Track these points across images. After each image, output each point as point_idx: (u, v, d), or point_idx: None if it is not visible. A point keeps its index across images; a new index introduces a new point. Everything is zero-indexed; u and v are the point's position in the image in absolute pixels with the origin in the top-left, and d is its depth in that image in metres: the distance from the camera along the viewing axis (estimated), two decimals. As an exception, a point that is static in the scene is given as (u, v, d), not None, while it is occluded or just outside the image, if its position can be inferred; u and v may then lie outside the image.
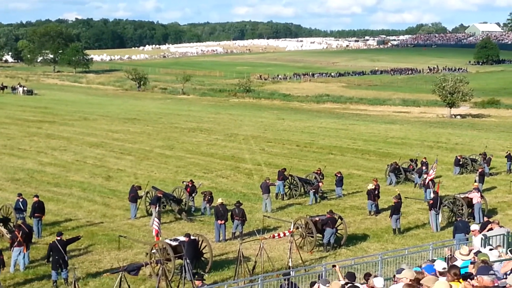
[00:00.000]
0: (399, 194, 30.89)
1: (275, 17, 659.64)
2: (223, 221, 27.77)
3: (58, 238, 22.06)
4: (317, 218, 27.32)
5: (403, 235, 29.14)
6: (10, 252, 23.77)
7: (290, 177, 37.67)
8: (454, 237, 25.53)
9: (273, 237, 25.03)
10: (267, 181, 33.82)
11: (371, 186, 33.14)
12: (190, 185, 33.71)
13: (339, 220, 27.47)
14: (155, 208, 29.70)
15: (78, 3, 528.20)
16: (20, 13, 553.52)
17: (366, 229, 30.18)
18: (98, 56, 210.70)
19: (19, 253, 23.34)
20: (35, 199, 28.21)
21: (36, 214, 27.71)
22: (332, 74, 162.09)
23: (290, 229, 25.20)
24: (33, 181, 38.18)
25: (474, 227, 21.94)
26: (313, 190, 35.55)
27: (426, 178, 36.34)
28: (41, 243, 26.18)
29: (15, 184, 37.40)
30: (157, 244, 23.57)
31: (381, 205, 33.76)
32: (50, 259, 21.92)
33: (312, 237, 26.61)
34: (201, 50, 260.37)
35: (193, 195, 33.31)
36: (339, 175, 37.86)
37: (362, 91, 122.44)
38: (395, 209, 29.51)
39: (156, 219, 25.63)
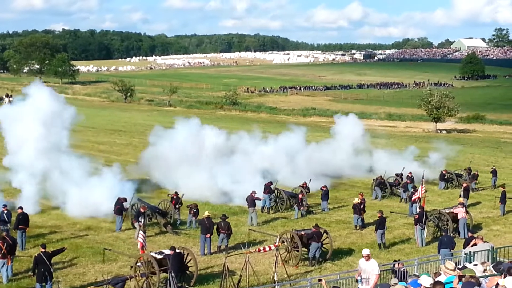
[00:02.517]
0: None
1: (262, 30, 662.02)
2: (209, 235, 27.72)
3: (43, 250, 21.92)
4: (302, 232, 27.32)
5: (388, 250, 29.21)
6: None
7: (276, 191, 37.69)
8: (439, 252, 25.61)
9: (259, 250, 25.00)
10: (253, 194, 33.76)
11: (356, 200, 33.22)
12: (175, 197, 33.67)
13: (325, 234, 27.47)
14: (138, 223, 29.62)
15: (65, 14, 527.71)
16: (7, 23, 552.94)
17: (352, 243, 30.22)
18: (84, 67, 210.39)
19: (2, 266, 23.16)
20: (20, 210, 28.00)
21: (20, 226, 27.50)
22: (319, 87, 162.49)
23: (275, 243, 25.16)
24: (17, 192, 37.84)
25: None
26: (296, 205, 35.63)
27: (412, 193, 36.45)
28: (24, 255, 25.98)
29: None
30: (142, 257, 23.48)
31: (367, 220, 33.82)
32: (36, 272, 21.74)
33: (298, 251, 26.59)
34: (188, 62, 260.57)
35: (177, 206, 33.24)
36: (324, 189, 37.97)
37: (348, 104, 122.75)
38: (380, 224, 29.58)
39: (141, 232, 25.52)
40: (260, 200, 35.30)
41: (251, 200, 33.34)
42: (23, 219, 27.76)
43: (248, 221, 33.19)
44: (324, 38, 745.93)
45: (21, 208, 28.20)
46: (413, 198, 34.81)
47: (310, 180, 39.88)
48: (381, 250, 29.07)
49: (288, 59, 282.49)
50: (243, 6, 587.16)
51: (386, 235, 30.82)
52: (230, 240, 28.51)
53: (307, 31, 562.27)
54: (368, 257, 20.14)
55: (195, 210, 32.07)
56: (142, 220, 29.80)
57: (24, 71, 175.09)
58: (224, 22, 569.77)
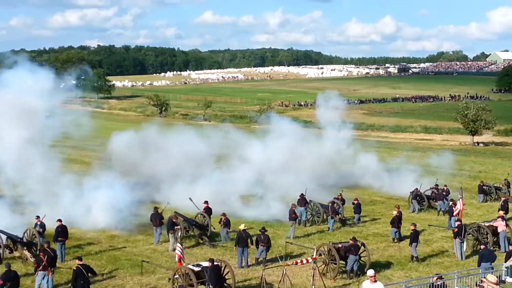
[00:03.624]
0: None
1: (295, 44, 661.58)
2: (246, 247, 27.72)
3: (80, 262, 22.06)
4: (340, 245, 27.16)
5: (427, 263, 28.85)
6: (34, 276, 23.86)
7: (311, 204, 37.55)
8: (479, 265, 25.26)
9: (296, 263, 24.91)
10: (293, 207, 33.86)
11: (395, 213, 32.90)
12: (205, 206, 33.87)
13: (362, 247, 27.27)
14: (173, 233, 29.80)
15: (100, 30, 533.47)
16: (43, 40, 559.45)
17: (390, 256, 29.95)
18: (120, 82, 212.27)
19: (43, 277, 23.38)
20: (59, 223, 28.27)
21: (59, 238, 27.82)
22: (353, 101, 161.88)
23: (313, 255, 25.08)
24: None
25: None
26: (330, 215, 35.53)
27: (450, 206, 35.97)
28: (64, 267, 26.20)
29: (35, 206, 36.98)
30: (179, 270, 23.55)
31: (403, 233, 33.44)
32: (75, 285, 21.84)
33: (335, 264, 26.43)
34: (222, 77, 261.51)
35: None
36: (356, 202, 37.71)
37: (383, 118, 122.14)
38: (414, 237, 29.27)
39: (178, 245, 25.61)
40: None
41: (292, 213, 33.36)
42: (62, 231, 28.07)
43: (289, 234, 32.98)
44: (358, 52, 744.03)
45: (59, 220, 28.45)
46: (455, 213, 34.20)
47: (342, 191, 39.72)
48: (419, 263, 28.75)
49: (322, 73, 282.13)
50: (276, 21, 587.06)
51: (424, 249, 30.58)
52: (268, 253, 28.46)
53: (340, 45, 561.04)
54: (373, 279, 19.68)
55: (225, 220, 32.02)
56: (180, 232, 29.99)
57: (61, 86, 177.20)
58: (257, 37, 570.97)
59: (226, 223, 32.05)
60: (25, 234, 28.39)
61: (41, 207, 32.21)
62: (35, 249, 27.30)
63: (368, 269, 25.92)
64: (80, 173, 50.33)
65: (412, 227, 29.63)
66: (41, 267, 23.32)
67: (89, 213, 34.30)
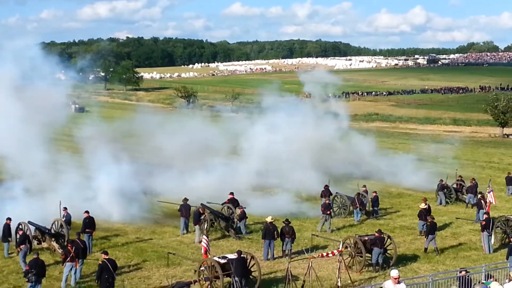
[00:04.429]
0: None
1: (324, 35, 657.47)
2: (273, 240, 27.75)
3: (106, 257, 22.20)
4: (366, 238, 27.05)
5: (454, 257, 28.60)
6: (62, 267, 24.11)
7: (338, 196, 37.42)
8: (507, 259, 25.02)
9: (322, 256, 24.85)
10: (327, 202, 33.73)
11: (423, 205, 32.63)
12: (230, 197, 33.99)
13: (389, 240, 27.13)
14: (199, 225, 29.97)
15: (129, 22, 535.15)
16: (73, 32, 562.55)
17: (417, 249, 29.75)
18: (148, 74, 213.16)
19: (71, 269, 23.61)
20: (86, 214, 28.54)
21: (87, 230, 28.06)
22: (382, 92, 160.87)
23: (339, 248, 25.02)
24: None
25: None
26: (356, 207, 35.43)
27: (479, 200, 35.59)
28: (91, 259, 26.40)
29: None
30: (205, 262, 23.64)
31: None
32: (100, 279, 21.87)
33: (361, 256, 26.33)
34: (250, 69, 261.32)
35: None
36: (374, 194, 37.38)
37: (411, 110, 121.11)
38: (430, 229, 29.07)
39: (204, 237, 25.72)
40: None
41: (325, 206, 33.26)
42: (90, 222, 28.33)
43: (318, 227, 32.84)
44: (386, 43, 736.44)
45: (87, 212, 28.72)
46: (487, 207, 33.79)
47: (363, 185, 39.40)
48: (446, 256, 28.51)
49: (350, 65, 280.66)
50: (304, 12, 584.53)
51: (452, 242, 30.43)
52: (293, 245, 28.49)
53: (369, 36, 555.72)
54: (397, 280, 19.08)
55: (240, 214, 32.04)
56: (206, 224, 30.22)
57: (90, 78, 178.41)
58: (285, 28, 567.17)
59: (242, 216, 32.05)
60: (53, 226, 28.68)
61: (67, 197, 32.50)
62: (63, 240, 27.56)
63: (393, 265, 25.94)
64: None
65: (430, 219, 29.52)
66: (68, 259, 23.56)
67: (114, 204, 34.68)
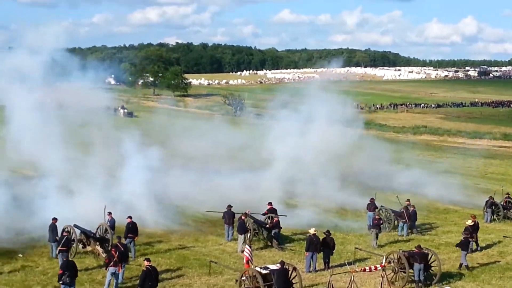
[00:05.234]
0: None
1: (373, 45, 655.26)
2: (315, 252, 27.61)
3: (149, 264, 22.31)
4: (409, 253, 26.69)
5: (501, 276, 28.01)
6: (105, 271, 24.35)
7: (383, 209, 37.01)
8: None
9: (364, 270, 24.62)
10: (377, 217, 33.53)
11: (469, 222, 32.04)
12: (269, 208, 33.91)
13: (433, 256, 26.72)
14: (243, 234, 29.97)
15: (179, 28, 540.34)
16: (124, 37, 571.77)
17: (462, 267, 29.21)
18: (196, 80, 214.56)
19: (114, 273, 23.82)
20: (129, 220, 28.74)
21: (129, 235, 28.24)
22: (431, 105, 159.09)
23: (382, 263, 24.75)
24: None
25: None
26: (405, 221, 35.01)
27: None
28: (134, 264, 26.60)
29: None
30: (247, 272, 23.61)
31: (480, 243, 32.63)
32: (143, 286, 21.97)
33: (405, 272, 25.99)
34: (298, 77, 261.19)
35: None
36: (412, 208, 36.70)
37: (461, 123, 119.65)
38: (463, 245, 28.62)
39: (247, 246, 25.70)
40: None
41: (374, 221, 33.02)
42: (132, 228, 28.51)
43: (373, 244, 32.10)
44: (437, 54, 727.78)
45: (130, 217, 28.90)
46: None
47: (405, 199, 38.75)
48: (492, 275, 27.90)
49: (399, 75, 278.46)
50: (354, 20, 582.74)
51: (499, 261, 29.83)
52: (335, 258, 28.33)
53: (419, 46, 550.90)
54: None
55: (275, 223, 31.84)
56: (249, 234, 30.27)
57: (139, 83, 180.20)
58: (334, 36, 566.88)
59: (275, 225, 31.88)
60: (98, 230, 28.97)
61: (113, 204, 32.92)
62: (107, 244, 27.83)
63: (436, 282, 25.55)
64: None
65: (464, 235, 29.08)
66: (112, 263, 23.79)
67: (157, 211, 35.07)
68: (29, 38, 41.16)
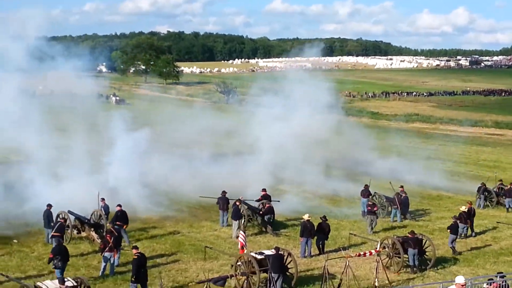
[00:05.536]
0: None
1: (365, 34, 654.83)
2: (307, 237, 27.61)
3: (137, 251, 22.13)
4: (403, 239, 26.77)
5: (495, 261, 28.13)
6: (100, 256, 24.34)
7: (376, 195, 37.03)
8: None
9: (359, 255, 24.65)
10: (369, 202, 33.73)
11: (463, 208, 32.09)
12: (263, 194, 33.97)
13: (428, 242, 26.80)
14: (237, 220, 29.97)
15: (170, 17, 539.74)
16: (115, 25, 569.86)
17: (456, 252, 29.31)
18: (188, 68, 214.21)
19: (109, 258, 23.81)
20: (118, 208, 28.54)
21: (117, 223, 27.95)
22: (423, 93, 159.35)
23: (376, 248, 24.79)
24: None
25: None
26: (397, 207, 35.09)
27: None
28: (128, 249, 26.42)
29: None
30: (242, 257, 23.62)
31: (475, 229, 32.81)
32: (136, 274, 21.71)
33: (399, 257, 26.06)
34: (290, 65, 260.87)
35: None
36: (404, 195, 36.67)
37: (452, 111, 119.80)
38: (452, 229, 28.82)
39: (241, 232, 25.71)
40: None
41: (368, 207, 33.15)
42: (121, 216, 28.25)
43: (369, 231, 31.99)
44: (428, 43, 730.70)
45: (119, 205, 28.65)
46: None
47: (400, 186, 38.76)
48: (486, 260, 28.05)
49: (391, 64, 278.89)
50: (346, 10, 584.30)
51: (493, 246, 29.91)
52: (330, 244, 28.41)
53: (411, 36, 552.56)
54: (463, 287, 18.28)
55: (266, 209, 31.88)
56: (243, 219, 30.31)
57: (131, 71, 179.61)
58: (325, 26, 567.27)
59: (269, 211, 31.84)
60: (92, 216, 28.92)
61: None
62: (101, 230, 27.78)
63: (431, 267, 25.60)
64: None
65: (453, 220, 29.51)
66: (107, 248, 23.76)
67: (151, 197, 35.19)
68: (13, 24, 40.80)
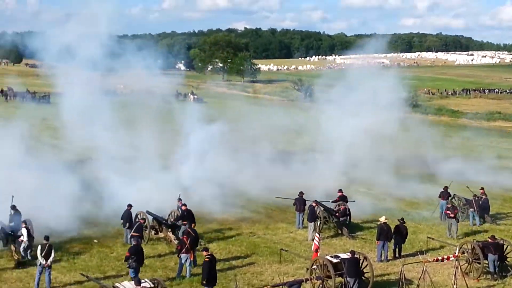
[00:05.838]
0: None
1: (444, 29, 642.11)
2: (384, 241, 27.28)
3: (208, 254, 22.18)
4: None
5: None
6: (177, 258, 24.65)
7: (455, 197, 36.20)
8: None
9: (437, 260, 24.22)
10: (448, 205, 32.66)
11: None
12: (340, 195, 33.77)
13: (509, 247, 26.05)
14: (313, 222, 29.85)
15: (247, 13, 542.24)
16: (193, 23, 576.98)
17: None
18: (265, 66, 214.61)
19: (186, 260, 24.09)
20: (184, 207, 28.73)
21: (183, 222, 28.20)
22: (505, 90, 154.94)
23: (455, 253, 24.29)
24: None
25: None
26: (476, 210, 34.16)
27: None
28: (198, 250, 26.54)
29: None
30: (318, 260, 23.54)
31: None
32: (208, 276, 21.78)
33: (479, 263, 25.44)
34: (367, 62, 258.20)
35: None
36: (484, 197, 35.64)
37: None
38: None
39: (317, 234, 25.63)
40: None
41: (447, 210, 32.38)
42: (188, 215, 28.45)
43: (449, 234, 31.35)
44: (511, 37, 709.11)
45: (184, 205, 28.82)
46: None
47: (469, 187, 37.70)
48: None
49: (472, 60, 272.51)
50: (424, 4, 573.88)
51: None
52: (407, 248, 28.00)
53: (493, 30, 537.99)
54: None
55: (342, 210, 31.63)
56: (319, 222, 30.18)
57: (208, 69, 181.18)
58: (404, 20, 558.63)
59: (343, 213, 31.58)
60: (170, 216, 29.33)
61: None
62: (178, 231, 28.14)
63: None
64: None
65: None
66: (184, 250, 24.04)
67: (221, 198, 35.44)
68: (88, 21, 41.19)
